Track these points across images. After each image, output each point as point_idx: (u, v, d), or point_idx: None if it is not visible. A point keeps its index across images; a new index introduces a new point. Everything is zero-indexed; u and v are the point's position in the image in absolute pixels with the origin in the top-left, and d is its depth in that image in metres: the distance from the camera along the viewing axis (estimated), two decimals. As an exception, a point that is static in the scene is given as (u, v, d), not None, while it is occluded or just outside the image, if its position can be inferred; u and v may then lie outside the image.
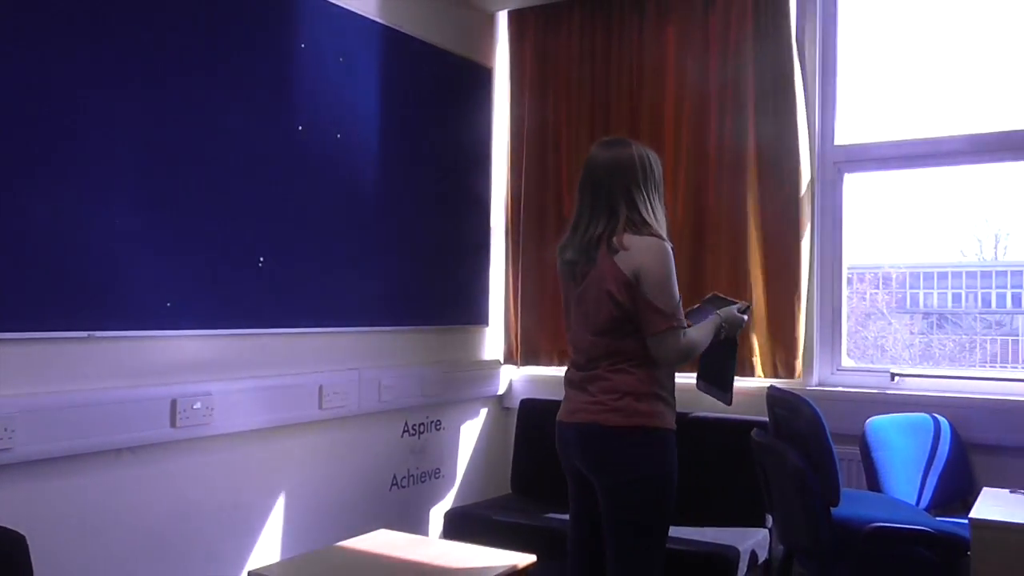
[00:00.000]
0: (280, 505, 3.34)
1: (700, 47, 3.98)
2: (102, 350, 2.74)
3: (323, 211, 3.48)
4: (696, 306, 2.94)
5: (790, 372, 3.77)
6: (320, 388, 3.42)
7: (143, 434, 2.80)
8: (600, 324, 2.62)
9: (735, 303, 2.90)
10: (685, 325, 2.62)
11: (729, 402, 2.91)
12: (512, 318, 4.40)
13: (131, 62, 2.79)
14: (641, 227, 2.60)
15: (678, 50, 4.03)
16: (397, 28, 3.85)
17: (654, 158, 2.71)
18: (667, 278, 2.56)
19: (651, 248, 2.57)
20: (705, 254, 3.93)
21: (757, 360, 3.83)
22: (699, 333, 2.70)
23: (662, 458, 2.61)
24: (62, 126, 2.61)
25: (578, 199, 2.74)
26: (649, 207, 2.64)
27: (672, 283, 2.57)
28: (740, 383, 3.82)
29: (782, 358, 3.79)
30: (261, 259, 3.22)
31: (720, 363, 2.85)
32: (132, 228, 2.79)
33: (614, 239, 2.59)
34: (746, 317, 2.88)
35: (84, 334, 2.67)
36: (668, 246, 2.60)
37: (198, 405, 2.94)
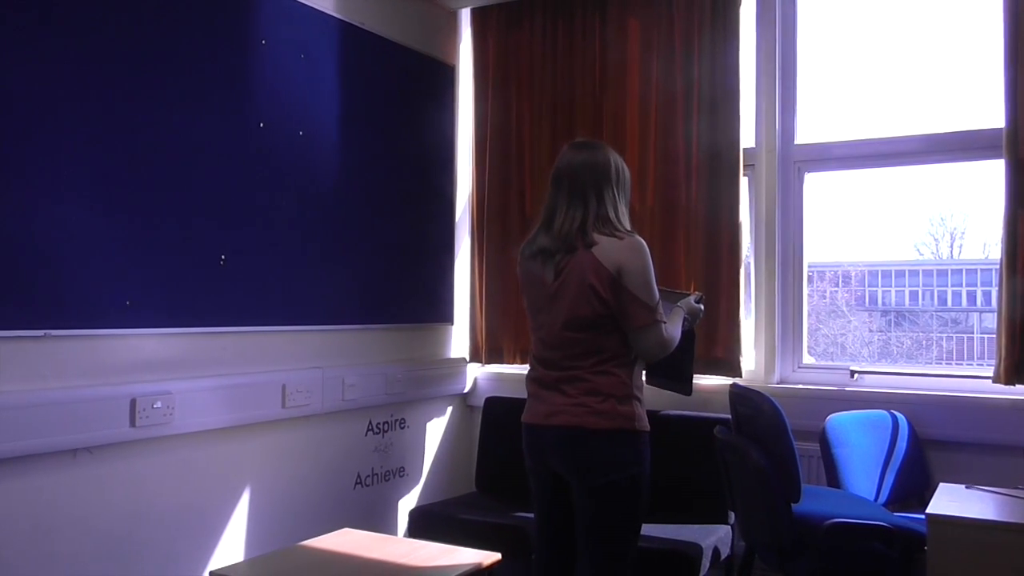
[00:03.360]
0: (243, 505, 3.31)
1: (662, 46, 4.00)
2: (59, 349, 2.69)
3: (285, 209, 3.45)
4: None
5: (735, 371, 3.79)
6: (283, 387, 3.39)
7: (102, 433, 2.76)
8: (583, 320, 2.60)
9: (683, 294, 2.95)
10: (664, 320, 2.65)
11: (689, 392, 2.94)
12: (478, 316, 4.40)
13: (88, 58, 2.75)
14: (608, 223, 2.62)
15: (641, 48, 4.05)
16: (359, 25, 3.83)
17: (625, 165, 2.75)
18: (649, 273, 2.60)
19: (632, 245, 2.60)
20: (674, 256, 3.95)
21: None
22: (674, 327, 2.73)
23: (643, 458, 2.64)
24: (15, 125, 2.56)
25: (551, 193, 2.72)
26: (618, 208, 2.67)
27: (653, 278, 2.61)
28: (703, 381, 3.89)
29: (726, 357, 3.82)
30: (223, 257, 3.19)
31: (679, 355, 2.86)
32: (89, 226, 2.75)
33: (589, 234, 2.60)
34: (702, 307, 2.92)
35: (40, 333, 2.63)
36: (645, 242, 2.63)
37: (158, 404, 2.90)
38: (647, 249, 2.62)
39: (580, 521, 2.66)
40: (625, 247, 2.59)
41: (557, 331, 2.65)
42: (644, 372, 2.82)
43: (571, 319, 2.62)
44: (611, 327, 2.60)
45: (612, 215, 2.64)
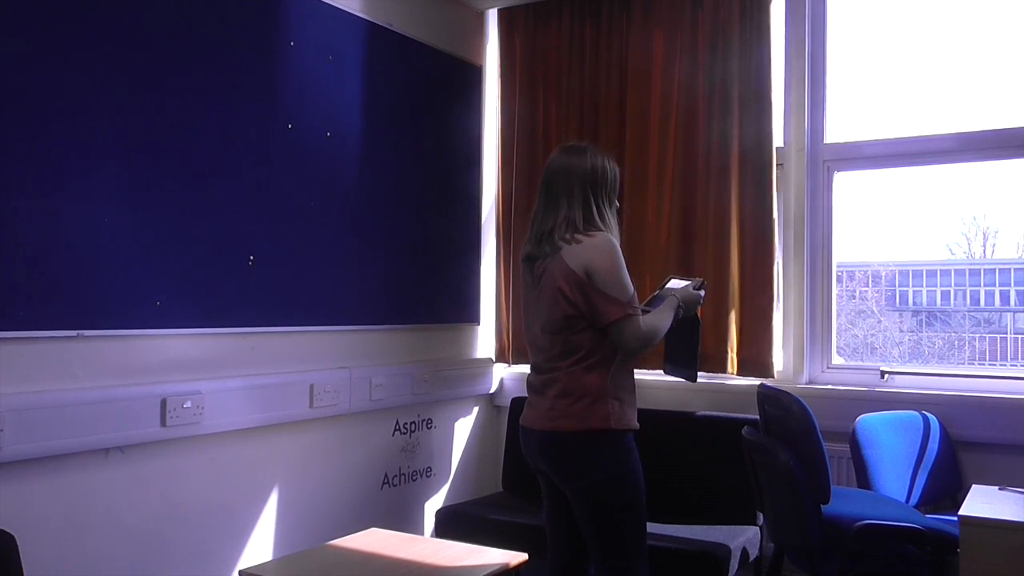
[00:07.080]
0: (271, 504, 3.33)
1: (686, 47, 3.98)
2: (91, 349, 2.72)
3: (313, 210, 3.46)
4: (656, 292, 2.97)
5: (766, 372, 3.76)
6: (311, 387, 3.41)
7: (133, 433, 2.78)
8: (555, 322, 2.64)
9: (685, 281, 2.93)
10: (640, 313, 2.64)
11: (694, 379, 2.94)
12: (503, 316, 4.40)
13: (119, 60, 2.78)
14: (574, 226, 2.64)
15: (665, 49, 4.04)
16: (387, 26, 3.84)
17: (611, 167, 2.76)
18: (618, 270, 2.60)
19: (599, 245, 2.61)
20: (692, 255, 3.93)
21: (733, 358, 3.82)
22: (657, 317, 2.72)
23: (621, 457, 2.64)
24: (49, 126, 2.59)
25: (537, 199, 2.80)
26: (596, 210, 2.68)
27: (624, 274, 2.61)
28: (731, 382, 3.87)
29: (757, 358, 3.78)
30: (251, 258, 3.21)
31: (684, 342, 2.87)
32: (121, 227, 2.78)
33: (557, 239, 2.64)
34: (702, 293, 2.90)
35: (73, 333, 2.66)
36: (615, 240, 2.64)
37: (188, 404, 2.93)
38: (615, 245, 2.63)
39: (578, 521, 2.70)
40: (590, 247, 2.61)
41: (537, 334, 2.73)
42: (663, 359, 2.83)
43: (546, 322, 2.68)
44: (583, 325, 2.62)
45: (582, 216, 2.65)
